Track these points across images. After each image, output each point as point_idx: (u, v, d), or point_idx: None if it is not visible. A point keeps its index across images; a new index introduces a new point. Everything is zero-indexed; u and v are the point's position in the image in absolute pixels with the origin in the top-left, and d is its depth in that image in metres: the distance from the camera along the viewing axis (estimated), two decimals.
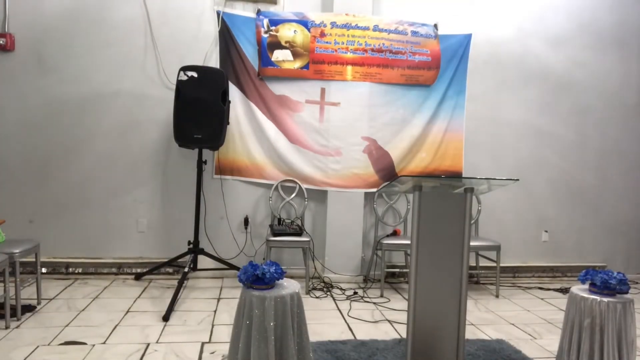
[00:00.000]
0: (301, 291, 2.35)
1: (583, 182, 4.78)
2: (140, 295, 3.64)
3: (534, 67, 4.63)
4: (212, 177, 4.21)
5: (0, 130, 3.94)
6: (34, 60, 3.95)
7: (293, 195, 4.24)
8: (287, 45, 4.17)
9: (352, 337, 2.97)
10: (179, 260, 3.90)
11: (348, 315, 3.40)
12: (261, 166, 4.24)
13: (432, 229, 2.26)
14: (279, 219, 4.11)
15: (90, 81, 4.03)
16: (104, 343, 2.73)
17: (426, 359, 2.28)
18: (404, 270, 4.29)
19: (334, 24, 4.20)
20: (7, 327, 2.88)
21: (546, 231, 4.74)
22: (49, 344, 2.68)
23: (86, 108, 4.02)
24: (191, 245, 3.85)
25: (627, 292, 2.39)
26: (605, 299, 2.31)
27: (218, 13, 4.12)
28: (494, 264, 4.05)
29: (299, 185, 4.22)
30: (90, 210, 4.07)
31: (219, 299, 3.64)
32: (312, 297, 3.78)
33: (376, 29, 4.25)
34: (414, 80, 4.34)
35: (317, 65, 4.20)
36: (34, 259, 3.32)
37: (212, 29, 4.15)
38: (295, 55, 4.19)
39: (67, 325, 2.97)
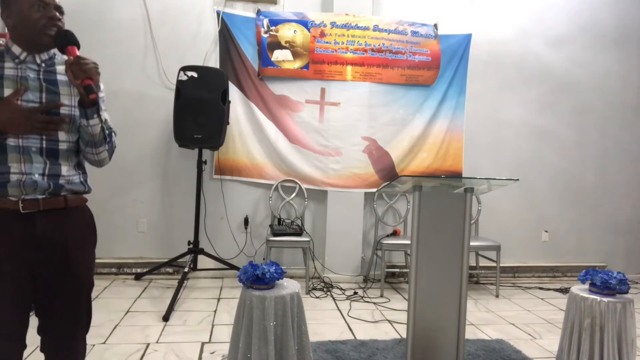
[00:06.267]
0: (301, 291, 2.35)
1: (583, 182, 4.78)
2: (140, 295, 3.64)
3: (534, 67, 4.63)
4: (212, 177, 4.21)
5: None
6: None
7: (293, 195, 4.24)
8: (287, 45, 4.17)
9: (352, 337, 2.97)
10: (179, 260, 3.90)
11: (348, 315, 3.40)
12: (261, 166, 4.24)
13: (432, 229, 2.26)
14: (279, 219, 4.11)
15: None
16: (104, 343, 2.73)
17: (426, 359, 2.28)
18: (404, 270, 4.29)
19: (334, 24, 4.20)
20: None
21: (546, 231, 4.74)
22: None
23: None
24: (191, 245, 3.85)
25: (627, 292, 2.39)
26: (605, 299, 2.31)
27: (218, 13, 4.12)
28: (494, 264, 4.05)
29: (299, 185, 4.22)
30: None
31: (219, 299, 3.64)
32: (312, 297, 3.78)
33: (376, 29, 4.25)
34: (414, 80, 4.33)
35: (317, 65, 4.20)
36: None
37: (212, 29, 4.15)
38: (295, 55, 4.19)
39: None
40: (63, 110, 1.48)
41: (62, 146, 1.49)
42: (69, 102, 1.50)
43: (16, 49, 1.46)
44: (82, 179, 1.57)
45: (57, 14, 1.48)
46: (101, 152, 1.58)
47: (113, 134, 1.64)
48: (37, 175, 1.43)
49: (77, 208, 1.56)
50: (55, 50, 1.52)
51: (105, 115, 1.60)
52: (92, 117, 1.50)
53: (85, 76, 1.42)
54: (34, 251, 1.43)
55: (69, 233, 1.50)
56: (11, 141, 1.40)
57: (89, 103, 1.47)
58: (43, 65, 1.49)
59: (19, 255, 1.41)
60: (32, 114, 1.39)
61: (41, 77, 1.47)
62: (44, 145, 1.45)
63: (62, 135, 1.49)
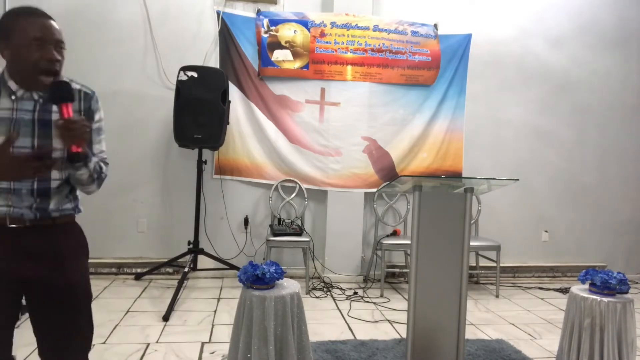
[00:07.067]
0: (301, 291, 2.35)
1: (583, 182, 4.78)
2: (140, 295, 3.64)
3: (534, 67, 4.63)
4: (212, 177, 4.21)
5: None
6: None
7: (293, 195, 4.24)
8: (287, 45, 4.17)
9: (352, 337, 2.97)
10: (179, 260, 3.90)
11: (348, 315, 3.40)
12: (261, 166, 4.24)
13: (432, 229, 2.26)
14: (279, 219, 4.11)
15: (90, 81, 3.94)
16: (104, 343, 2.73)
17: (426, 359, 2.28)
18: (404, 270, 4.29)
19: (334, 24, 4.20)
20: None
21: (546, 231, 4.74)
22: None
23: None
24: (191, 245, 3.85)
25: (627, 292, 2.39)
26: (605, 299, 2.31)
27: (218, 13, 4.12)
28: (494, 264, 4.05)
29: (299, 185, 4.22)
30: (90, 210, 4.04)
31: (219, 299, 3.64)
32: (312, 297, 3.78)
33: (376, 29, 4.25)
34: (414, 80, 4.33)
35: (317, 65, 4.20)
36: None
37: (212, 29, 4.15)
38: (295, 55, 4.18)
39: None
40: (55, 154, 1.44)
41: (54, 184, 1.46)
42: (61, 144, 1.44)
43: (12, 85, 1.41)
44: (72, 205, 1.55)
45: (56, 54, 1.42)
46: (89, 189, 1.56)
47: (103, 167, 1.58)
48: (24, 209, 1.42)
49: (66, 224, 1.53)
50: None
51: (100, 146, 1.59)
52: (80, 169, 1.46)
53: (72, 142, 1.38)
54: (25, 262, 1.42)
55: (60, 243, 1.49)
56: (3, 183, 1.39)
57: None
58: (40, 100, 1.44)
59: (9, 266, 1.41)
60: (24, 163, 1.36)
61: (36, 117, 1.42)
62: (36, 187, 1.43)
63: (54, 174, 1.46)
